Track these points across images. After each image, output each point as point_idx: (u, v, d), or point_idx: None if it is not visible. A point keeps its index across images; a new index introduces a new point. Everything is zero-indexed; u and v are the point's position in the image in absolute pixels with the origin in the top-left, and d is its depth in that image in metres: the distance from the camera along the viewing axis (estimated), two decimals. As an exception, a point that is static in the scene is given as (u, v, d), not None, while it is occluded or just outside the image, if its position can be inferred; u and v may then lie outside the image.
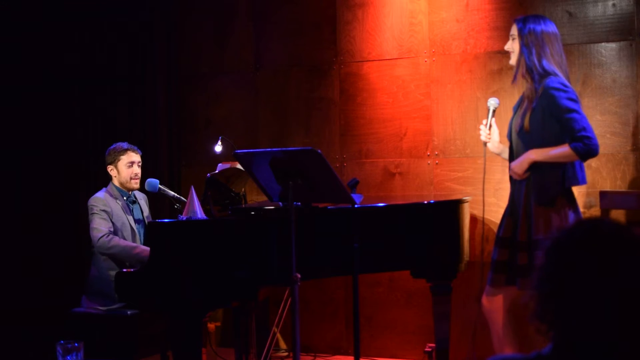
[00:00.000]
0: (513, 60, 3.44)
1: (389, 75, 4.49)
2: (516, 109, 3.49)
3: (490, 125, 3.61)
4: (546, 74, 3.29)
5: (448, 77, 4.36)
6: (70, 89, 5.30)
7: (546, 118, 3.27)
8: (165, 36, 5.02)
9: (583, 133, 3.19)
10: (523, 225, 3.32)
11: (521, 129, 3.35)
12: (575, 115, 3.21)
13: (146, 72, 5.07)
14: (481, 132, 3.62)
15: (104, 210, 3.81)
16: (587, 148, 3.19)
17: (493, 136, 3.61)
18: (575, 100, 3.25)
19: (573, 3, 4.08)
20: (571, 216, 3.29)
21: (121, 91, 5.19)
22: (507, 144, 3.54)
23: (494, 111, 3.61)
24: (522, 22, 3.38)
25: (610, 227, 1.23)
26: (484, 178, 3.67)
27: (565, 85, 3.26)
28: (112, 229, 3.79)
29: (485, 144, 3.62)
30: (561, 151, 3.23)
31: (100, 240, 3.72)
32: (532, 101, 3.30)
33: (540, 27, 3.33)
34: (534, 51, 3.32)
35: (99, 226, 3.77)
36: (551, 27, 3.37)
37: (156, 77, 5.03)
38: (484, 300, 3.51)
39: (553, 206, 3.27)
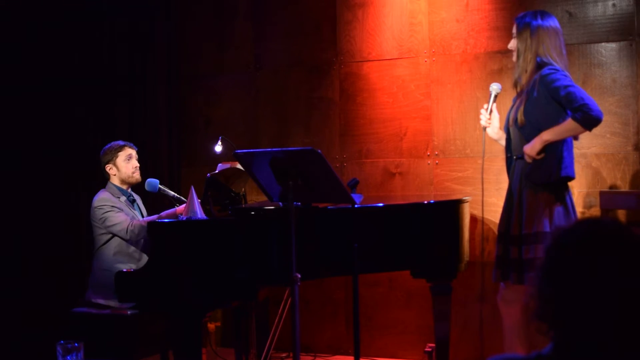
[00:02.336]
0: (515, 58, 3.46)
1: (389, 75, 4.49)
2: (515, 100, 3.50)
3: (491, 111, 3.62)
4: (542, 65, 3.31)
5: (448, 77, 4.36)
6: (70, 89, 5.30)
7: (548, 104, 3.28)
8: (165, 36, 5.02)
9: (581, 102, 3.20)
10: (516, 219, 3.35)
11: (515, 121, 3.40)
12: (570, 89, 3.23)
13: (146, 72, 5.07)
14: (481, 116, 3.64)
15: (114, 206, 3.82)
16: (586, 116, 3.19)
17: (493, 122, 3.63)
18: (567, 76, 3.28)
19: (573, 3, 4.09)
20: (562, 212, 3.29)
21: (121, 91, 5.18)
22: (501, 132, 3.60)
23: (495, 96, 3.61)
24: (520, 19, 3.41)
25: (610, 227, 1.23)
26: (482, 166, 3.67)
27: (555, 68, 3.28)
28: (130, 215, 3.84)
29: (484, 128, 3.63)
30: (566, 124, 3.25)
31: (129, 231, 3.75)
32: (528, 92, 3.33)
33: (537, 22, 3.35)
34: (528, 46, 3.34)
35: (119, 220, 3.78)
36: (549, 22, 3.37)
37: (156, 77, 5.03)
38: (498, 296, 3.54)
39: (545, 200, 3.28)
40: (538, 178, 3.30)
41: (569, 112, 3.25)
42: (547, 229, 3.24)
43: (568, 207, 3.32)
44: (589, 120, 3.20)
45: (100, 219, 3.82)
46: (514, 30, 3.45)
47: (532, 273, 3.24)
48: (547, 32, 3.34)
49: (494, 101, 3.62)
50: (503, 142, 3.60)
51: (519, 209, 3.36)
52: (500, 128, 3.63)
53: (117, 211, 3.81)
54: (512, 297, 3.42)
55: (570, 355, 1.20)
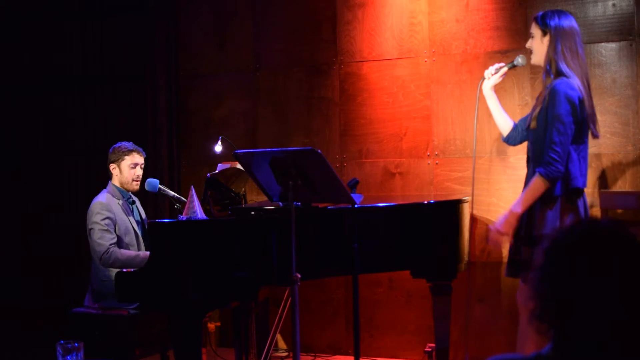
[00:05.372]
0: (534, 60, 3.40)
1: (389, 75, 4.49)
2: (537, 100, 3.48)
3: (502, 74, 3.57)
4: (558, 74, 3.27)
5: (448, 77, 4.36)
6: (70, 89, 5.30)
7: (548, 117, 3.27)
8: (165, 36, 5.02)
9: (550, 150, 3.18)
10: (527, 220, 3.36)
11: (528, 126, 3.39)
12: (561, 127, 3.19)
13: (146, 72, 5.07)
14: (489, 68, 3.59)
15: (107, 218, 3.74)
16: (548, 171, 3.19)
17: (493, 79, 3.58)
18: (569, 114, 3.21)
19: (573, 3, 4.08)
20: (570, 216, 3.28)
21: (121, 91, 5.19)
22: (495, 95, 3.61)
23: (514, 66, 3.55)
24: (542, 19, 3.34)
25: (608, 227, 1.23)
26: (474, 157, 3.66)
27: (572, 90, 3.23)
28: (114, 241, 3.72)
29: (483, 79, 3.59)
30: (534, 188, 3.24)
31: (102, 257, 3.67)
32: (541, 100, 3.30)
33: (555, 22, 3.29)
34: (552, 47, 3.29)
35: (101, 240, 3.69)
36: (568, 22, 3.31)
37: (156, 77, 5.03)
38: (517, 293, 3.54)
39: (554, 205, 3.28)
40: (547, 196, 3.30)
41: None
42: None
43: (579, 210, 3.30)
44: (549, 175, 3.20)
45: (90, 224, 3.77)
46: (533, 31, 3.37)
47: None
48: (565, 33, 3.29)
49: (510, 68, 3.55)
50: (490, 103, 3.60)
51: (530, 210, 3.36)
52: (491, 88, 3.60)
53: (105, 227, 3.72)
54: (521, 299, 3.43)
55: (569, 355, 1.20)
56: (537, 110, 3.32)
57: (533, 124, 3.34)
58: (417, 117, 4.43)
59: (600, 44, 4.04)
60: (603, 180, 4.02)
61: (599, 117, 3.98)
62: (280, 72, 4.78)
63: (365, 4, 4.55)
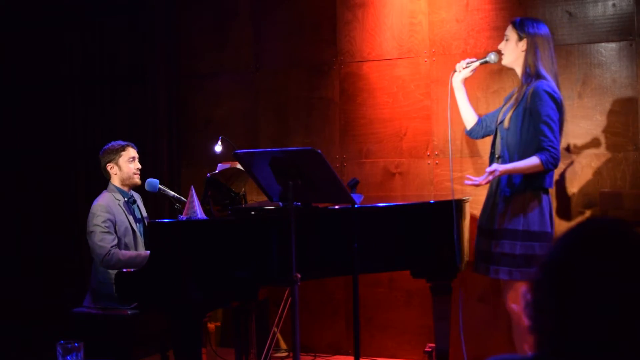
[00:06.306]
0: (505, 61, 3.50)
1: (389, 75, 4.49)
2: (506, 100, 3.56)
3: (472, 68, 3.63)
4: (538, 76, 3.34)
5: (448, 77, 4.35)
6: (70, 89, 5.30)
7: (527, 118, 3.32)
8: (165, 36, 5.02)
9: (550, 143, 3.25)
10: (491, 215, 3.43)
11: (501, 123, 3.46)
12: (550, 124, 3.27)
13: (146, 72, 5.07)
14: (460, 62, 3.64)
15: (107, 220, 3.73)
16: (549, 159, 3.25)
17: (464, 72, 3.65)
18: (556, 112, 3.30)
19: (573, 3, 4.09)
20: (535, 214, 3.32)
21: (121, 91, 5.19)
22: (464, 88, 3.69)
23: (485, 62, 3.61)
24: (520, 25, 3.43)
25: (611, 226, 1.22)
26: (448, 117, 3.66)
27: (554, 92, 3.30)
28: (115, 242, 3.72)
29: (454, 71, 3.65)
30: (531, 163, 3.29)
31: (104, 260, 3.67)
32: (519, 100, 3.36)
33: (534, 30, 3.41)
34: (532, 53, 3.38)
35: (102, 242, 3.69)
36: (545, 30, 3.44)
37: (156, 77, 5.03)
38: (502, 296, 3.59)
39: (517, 202, 3.34)
40: (511, 190, 3.37)
41: (535, 145, 3.30)
42: (520, 227, 3.30)
43: (543, 209, 3.34)
44: (551, 163, 3.26)
45: (90, 225, 3.76)
46: (509, 33, 3.47)
47: (497, 267, 3.36)
48: (544, 40, 3.40)
49: (482, 63, 3.61)
50: (458, 95, 3.68)
51: (493, 204, 3.45)
52: (461, 81, 3.67)
53: (105, 229, 3.72)
54: (514, 296, 3.44)
55: (570, 355, 1.19)
56: (512, 110, 3.40)
57: (506, 124, 3.40)
58: (417, 117, 4.43)
59: (600, 44, 4.04)
60: (603, 180, 4.02)
61: (599, 117, 4.01)
62: (280, 72, 4.78)
63: (365, 4, 4.55)
